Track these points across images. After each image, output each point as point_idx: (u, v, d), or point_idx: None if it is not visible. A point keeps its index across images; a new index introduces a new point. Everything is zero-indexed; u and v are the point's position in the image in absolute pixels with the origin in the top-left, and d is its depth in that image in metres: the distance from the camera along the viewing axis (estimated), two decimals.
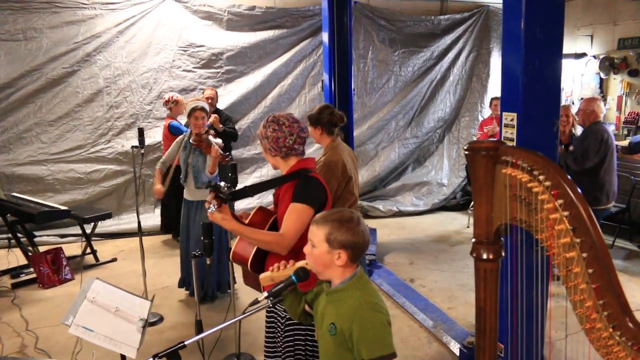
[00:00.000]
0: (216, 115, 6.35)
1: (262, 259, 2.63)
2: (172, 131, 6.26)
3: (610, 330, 1.42)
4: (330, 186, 3.65)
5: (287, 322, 2.58)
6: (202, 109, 4.73)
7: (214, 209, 2.41)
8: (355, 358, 1.90)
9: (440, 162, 9.02)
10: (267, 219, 2.69)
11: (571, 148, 5.20)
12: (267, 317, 2.76)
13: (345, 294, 1.95)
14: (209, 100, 6.43)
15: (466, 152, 1.68)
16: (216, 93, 6.83)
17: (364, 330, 1.86)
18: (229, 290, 5.03)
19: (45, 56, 6.94)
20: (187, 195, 4.92)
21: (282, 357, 2.60)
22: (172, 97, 6.37)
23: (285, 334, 2.58)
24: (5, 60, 6.82)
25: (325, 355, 2.03)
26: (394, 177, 8.89)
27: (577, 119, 5.49)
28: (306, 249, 2.00)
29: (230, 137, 6.70)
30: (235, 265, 4.95)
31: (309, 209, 2.49)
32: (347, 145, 4.14)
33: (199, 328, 3.09)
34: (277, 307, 2.63)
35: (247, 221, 2.68)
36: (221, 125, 6.40)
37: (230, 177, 3.83)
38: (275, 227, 2.64)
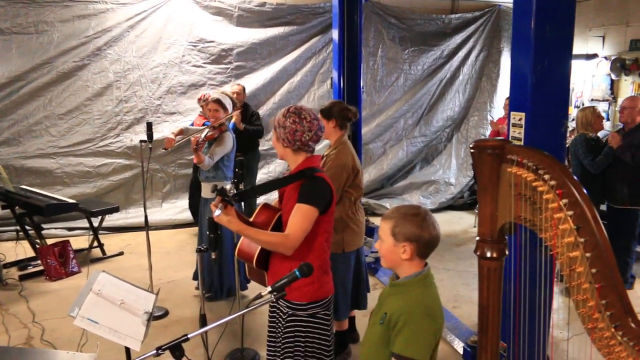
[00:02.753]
0: (237, 113, 6.20)
1: (266, 256, 2.64)
2: None
3: (613, 330, 1.42)
4: (341, 178, 3.66)
5: (288, 318, 2.59)
6: (216, 101, 4.69)
7: (219, 212, 2.40)
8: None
9: (448, 161, 9.00)
10: (272, 216, 2.68)
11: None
12: (269, 312, 2.77)
13: (407, 289, 1.97)
14: (235, 96, 6.27)
15: (472, 150, 1.68)
16: (243, 89, 6.76)
17: (408, 326, 1.87)
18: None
19: (56, 50, 6.97)
20: None
21: (281, 352, 2.61)
22: (204, 95, 6.19)
23: (286, 329, 2.59)
24: (17, 53, 6.86)
25: (367, 343, 2.06)
26: (401, 176, 8.88)
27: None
28: (377, 245, 2.03)
29: (254, 135, 6.70)
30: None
31: (314, 209, 2.48)
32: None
33: (203, 322, 3.10)
34: (279, 302, 2.63)
35: (252, 219, 2.67)
36: (243, 125, 6.35)
37: (237, 173, 3.84)
38: (280, 223, 2.64)
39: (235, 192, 2.49)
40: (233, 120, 6.12)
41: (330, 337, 2.66)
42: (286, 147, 2.60)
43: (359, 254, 4.02)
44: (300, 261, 2.48)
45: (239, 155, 4.44)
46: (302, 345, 2.58)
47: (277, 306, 2.69)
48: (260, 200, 6.98)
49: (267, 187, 2.75)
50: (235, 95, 6.34)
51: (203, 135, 4.55)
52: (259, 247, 2.58)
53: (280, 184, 2.72)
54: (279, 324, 2.66)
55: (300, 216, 2.47)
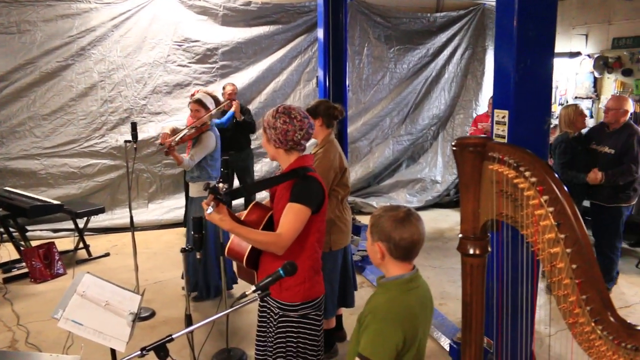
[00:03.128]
0: (237, 102, 6.42)
1: (257, 256, 2.62)
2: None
3: (593, 324, 1.44)
4: (329, 177, 3.66)
5: (280, 319, 2.58)
6: (196, 101, 4.66)
7: (212, 210, 2.37)
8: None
9: (434, 159, 9.04)
10: (263, 215, 2.65)
11: (606, 149, 4.99)
12: (259, 311, 2.76)
13: (387, 290, 1.96)
14: (234, 96, 6.58)
15: (454, 148, 1.69)
16: (236, 88, 6.83)
17: (371, 327, 1.87)
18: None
19: (39, 50, 6.91)
20: None
21: (273, 352, 2.61)
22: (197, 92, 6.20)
23: (277, 330, 2.59)
24: None
25: (350, 340, 2.07)
26: (387, 174, 8.91)
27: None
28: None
29: (248, 128, 6.80)
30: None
31: (307, 209, 2.46)
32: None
33: (189, 322, 3.09)
34: (270, 302, 2.63)
35: (243, 218, 2.65)
36: (242, 116, 6.52)
37: (223, 172, 3.84)
38: (271, 222, 2.62)
39: (226, 189, 2.46)
40: (233, 108, 6.23)
41: (320, 337, 2.66)
42: (278, 148, 2.57)
43: (346, 253, 4.03)
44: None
45: (227, 154, 4.44)
46: (294, 345, 2.58)
47: (268, 306, 2.67)
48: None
49: (260, 185, 2.72)
50: (233, 95, 6.55)
51: (179, 137, 4.53)
52: (250, 246, 2.56)
53: (273, 182, 2.69)
54: (270, 324, 2.65)
55: (292, 216, 2.44)
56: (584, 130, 5.40)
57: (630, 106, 5.07)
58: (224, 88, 6.66)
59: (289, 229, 2.43)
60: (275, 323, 2.60)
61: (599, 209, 5.09)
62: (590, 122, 7.64)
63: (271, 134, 2.54)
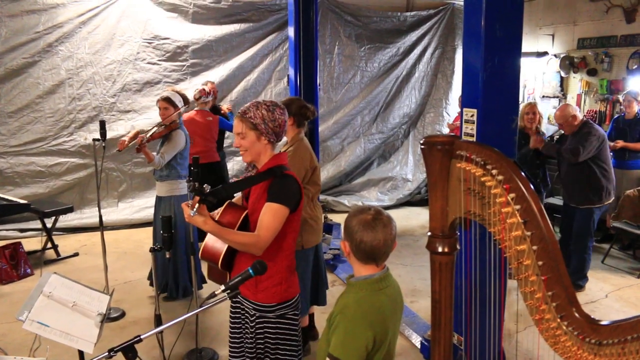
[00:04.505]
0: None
1: (231, 257, 2.57)
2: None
3: (559, 320, 1.46)
4: (300, 175, 3.65)
5: (257, 320, 2.54)
6: (165, 99, 4.61)
7: (195, 213, 2.31)
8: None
9: (405, 157, 9.09)
10: (238, 216, 2.59)
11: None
12: (232, 312, 2.72)
13: (355, 290, 1.96)
14: (214, 93, 6.63)
15: (422, 147, 1.71)
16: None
17: (340, 327, 1.88)
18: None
19: (4, 46, 6.76)
20: None
21: (253, 353, 2.57)
22: (201, 91, 6.17)
23: (257, 331, 2.55)
24: None
25: (320, 340, 2.07)
26: (359, 172, 8.94)
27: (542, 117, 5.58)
28: None
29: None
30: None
31: (285, 209, 2.43)
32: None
33: (158, 322, 3.05)
34: (245, 303, 2.59)
35: (217, 218, 2.57)
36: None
37: (192, 171, 3.79)
38: (246, 222, 2.58)
39: (209, 191, 2.41)
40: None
41: (299, 335, 2.63)
42: (269, 143, 2.53)
43: (317, 251, 4.03)
44: (270, 261, 2.44)
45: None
46: (273, 346, 2.55)
47: (242, 307, 2.63)
48: None
49: (238, 185, 2.65)
50: (216, 92, 6.68)
51: (149, 134, 4.48)
52: (225, 248, 2.50)
53: (251, 182, 2.62)
54: (246, 326, 2.61)
55: (271, 216, 2.41)
56: (551, 130, 5.56)
57: (574, 109, 5.21)
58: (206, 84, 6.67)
59: (268, 229, 2.40)
60: (252, 324, 2.56)
61: (572, 210, 5.21)
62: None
63: (267, 128, 2.48)
